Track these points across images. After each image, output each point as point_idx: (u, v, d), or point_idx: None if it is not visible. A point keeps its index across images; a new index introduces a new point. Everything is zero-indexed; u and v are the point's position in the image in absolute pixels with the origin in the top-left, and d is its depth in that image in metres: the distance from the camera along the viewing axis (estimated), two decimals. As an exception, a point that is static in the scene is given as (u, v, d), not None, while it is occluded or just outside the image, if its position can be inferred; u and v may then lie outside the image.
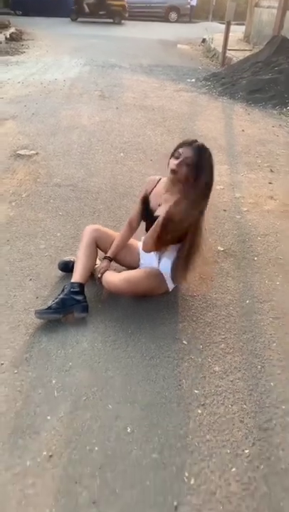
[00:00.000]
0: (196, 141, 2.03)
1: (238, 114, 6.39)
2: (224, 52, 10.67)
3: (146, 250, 2.18)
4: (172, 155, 2.06)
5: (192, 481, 1.48)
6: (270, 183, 3.98)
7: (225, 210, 3.42)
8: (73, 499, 1.41)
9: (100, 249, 2.37)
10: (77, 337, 2.07)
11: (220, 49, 11.03)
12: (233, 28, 15.59)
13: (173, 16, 22.01)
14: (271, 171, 4.26)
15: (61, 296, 2.16)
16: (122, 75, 8.53)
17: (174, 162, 2.01)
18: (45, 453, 1.54)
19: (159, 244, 2.12)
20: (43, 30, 15.18)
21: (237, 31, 14.78)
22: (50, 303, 2.16)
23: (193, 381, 1.88)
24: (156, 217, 2.09)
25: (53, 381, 1.83)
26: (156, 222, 2.06)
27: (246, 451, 1.60)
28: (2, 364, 1.90)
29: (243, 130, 5.57)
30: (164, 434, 1.63)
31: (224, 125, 5.80)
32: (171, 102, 6.67)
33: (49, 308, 2.11)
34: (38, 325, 2.12)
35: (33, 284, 2.42)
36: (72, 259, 2.47)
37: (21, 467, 1.50)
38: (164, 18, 21.77)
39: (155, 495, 1.43)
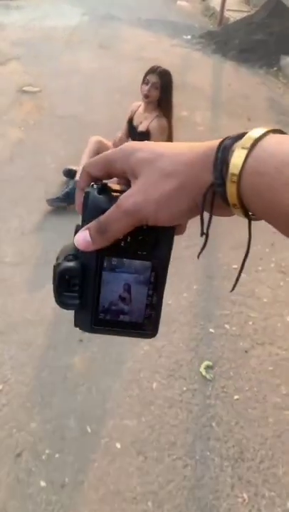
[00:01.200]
0: (159, 67, 2.65)
1: (227, 70, 6.86)
2: (222, 12, 10.90)
3: None
4: (143, 82, 2.67)
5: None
6: (246, 129, 4.55)
7: (203, 146, 4.02)
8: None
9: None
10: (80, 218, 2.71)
11: (219, 8, 11.24)
12: (234, -12, 15.62)
13: None
14: (249, 119, 4.84)
15: (66, 189, 2.78)
16: (120, 27, 8.81)
17: (144, 88, 2.63)
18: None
19: None
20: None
21: (238, -8, 14.83)
22: (58, 194, 2.77)
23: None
24: (140, 132, 2.71)
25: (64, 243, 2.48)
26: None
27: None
28: (23, 232, 2.53)
29: (229, 84, 6.08)
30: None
31: (213, 79, 6.29)
32: (166, 55, 7.07)
33: (57, 198, 2.74)
34: (49, 210, 2.75)
35: (42, 184, 3.03)
36: (74, 168, 3.06)
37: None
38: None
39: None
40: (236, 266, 2.46)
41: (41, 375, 1.74)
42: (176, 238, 0.38)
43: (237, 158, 0.31)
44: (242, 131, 0.33)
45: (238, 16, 10.50)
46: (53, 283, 0.39)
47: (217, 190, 0.33)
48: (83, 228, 0.38)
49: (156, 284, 0.41)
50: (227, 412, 1.72)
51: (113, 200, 0.36)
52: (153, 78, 2.67)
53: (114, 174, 0.39)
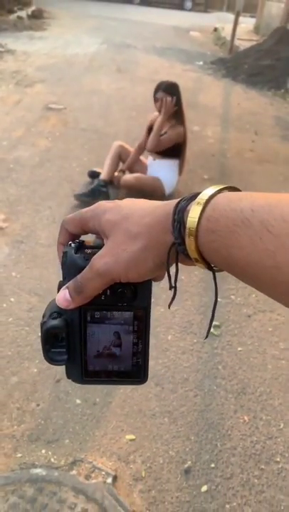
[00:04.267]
0: (163, 82, 3.06)
1: (237, 92, 7.32)
2: (232, 41, 11.53)
3: (150, 149, 3.17)
4: (154, 101, 3.08)
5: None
6: (252, 141, 4.95)
7: (213, 155, 4.40)
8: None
9: (121, 160, 3.36)
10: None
11: (229, 37, 11.87)
12: (245, 19, 16.42)
13: (188, 4, 22.68)
14: (255, 133, 5.22)
15: (92, 186, 3.16)
16: (136, 54, 9.42)
17: (156, 105, 3.05)
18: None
19: (158, 145, 3.12)
20: (62, 10, 15.94)
21: (248, 23, 15.59)
22: (84, 191, 3.15)
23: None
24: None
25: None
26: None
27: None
28: (54, 220, 2.90)
29: (238, 104, 6.52)
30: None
31: (223, 99, 6.74)
32: (179, 78, 7.53)
33: (84, 193, 3.12)
34: (76, 204, 3.12)
35: (69, 184, 3.41)
36: (97, 170, 3.45)
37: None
38: (179, 6, 22.44)
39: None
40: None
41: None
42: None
43: (191, 219, 0.34)
44: (195, 192, 0.36)
45: (248, 44, 11.09)
46: (41, 340, 0.41)
47: (179, 249, 0.35)
48: (63, 288, 0.41)
49: (140, 331, 0.42)
50: (232, 359, 2.01)
51: (88, 258, 0.39)
52: (160, 94, 3.08)
53: (89, 231, 0.42)
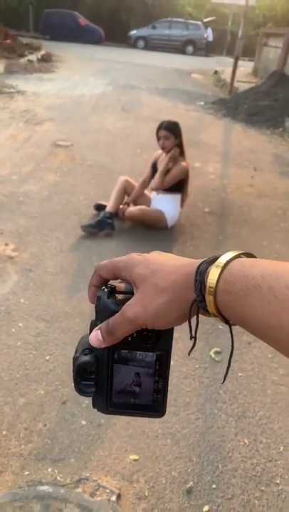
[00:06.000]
0: (164, 122, 3.27)
1: (237, 130, 7.63)
2: (232, 83, 12.06)
3: (156, 188, 3.34)
4: (157, 139, 3.29)
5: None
6: (252, 177, 5.14)
7: (214, 190, 4.58)
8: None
9: (127, 193, 3.52)
10: (108, 241, 3.20)
11: (229, 80, 12.43)
12: (245, 63, 17.23)
13: (189, 49, 23.79)
14: (255, 170, 5.43)
15: (98, 218, 3.30)
16: (140, 95, 9.87)
17: (159, 143, 3.25)
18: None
19: (163, 183, 3.29)
20: (69, 54, 16.76)
21: (248, 66, 16.37)
22: (90, 222, 3.29)
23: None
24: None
25: (94, 259, 2.95)
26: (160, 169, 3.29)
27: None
28: (62, 250, 3.02)
29: (238, 142, 6.79)
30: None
31: (223, 137, 7.03)
32: (181, 117, 7.89)
33: (90, 224, 3.26)
34: (83, 235, 3.25)
35: (76, 217, 3.56)
36: (103, 203, 3.60)
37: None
38: (181, 50, 23.53)
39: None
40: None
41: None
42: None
43: (211, 280, 0.39)
44: (214, 256, 0.41)
45: (247, 86, 11.60)
46: (73, 373, 0.46)
47: (199, 305, 0.40)
48: (96, 328, 0.45)
49: (161, 371, 0.47)
50: (232, 384, 2.06)
51: (119, 303, 0.45)
52: (162, 132, 3.28)
53: (120, 278, 0.47)
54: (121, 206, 3.55)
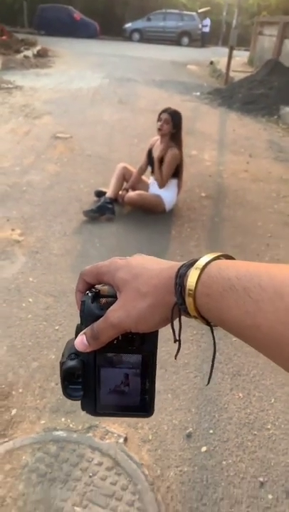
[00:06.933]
0: (170, 108, 3.40)
1: (232, 119, 7.76)
2: (227, 73, 12.15)
3: (160, 186, 3.51)
4: (158, 120, 3.42)
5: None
6: (247, 163, 5.29)
7: (210, 176, 4.73)
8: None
9: (125, 180, 3.69)
10: (109, 225, 3.37)
11: (225, 70, 12.51)
12: (240, 53, 17.27)
13: (185, 40, 23.77)
14: (250, 156, 5.58)
15: (99, 204, 3.47)
16: (136, 87, 9.98)
17: (158, 124, 3.38)
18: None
19: (163, 178, 3.46)
20: (65, 49, 16.82)
21: (243, 56, 16.41)
22: (92, 207, 3.46)
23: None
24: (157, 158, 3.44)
25: (96, 242, 3.12)
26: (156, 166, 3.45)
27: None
28: (65, 234, 3.19)
29: (234, 130, 6.93)
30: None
31: (219, 126, 7.17)
32: (177, 108, 8.01)
33: (92, 209, 3.42)
34: (85, 220, 3.42)
35: (78, 203, 3.73)
36: (103, 190, 3.77)
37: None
38: (176, 42, 23.52)
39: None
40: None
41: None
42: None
43: (190, 283, 0.39)
44: (193, 259, 0.42)
45: (242, 75, 11.67)
46: (60, 378, 0.47)
47: (180, 307, 0.41)
48: (81, 333, 0.46)
49: (148, 372, 0.48)
50: (227, 347, 2.24)
51: (103, 308, 0.45)
52: (164, 115, 3.43)
53: (103, 282, 0.48)
54: (120, 192, 3.71)
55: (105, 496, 1.44)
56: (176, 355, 0.48)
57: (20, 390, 1.86)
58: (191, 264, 0.41)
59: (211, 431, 1.77)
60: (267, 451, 1.70)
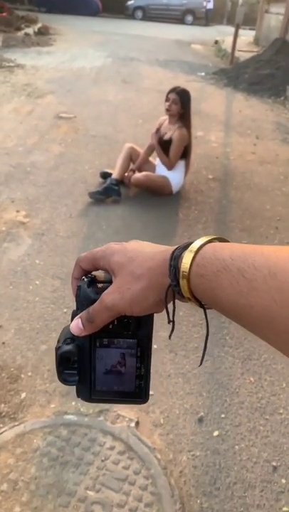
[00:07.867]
0: (178, 87, 3.31)
1: (238, 100, 7.60)
2: (233, 52, 11.88)
3: (169, 168, 3.44)
4: (165, 100, 3.32)
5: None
6: (254, 144, 5.19)
7: (217, 158, 4.65)
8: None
9: (132, 161, 3.61)
10: (115, 208, 3.31)
11: (230, 49, 12.24)
12: (245, 32, 16.87)
13: (189, 18, 23.20)
14: (257, 137, 5.47)
15: (105, 185, 3.40)
16: (140, 66, 9.77)
17: (166, 104, 3.29)
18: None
19: (172, 159, 3.39)
20: (67, 26, 16.44)
21: (248, 35, 16.04)
22: (97, 189, 3.39)
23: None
24: (165, 140, 3.35)
25: (103, 224, 3.07)
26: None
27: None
28: (71, 215, 3.13)
29: (240, 111, 6.79)
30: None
31: (225, 107, 7.02)
32: (182, 88, 7.89)
33: (97, 191, 3.36)
34: (90, 201, 3.36)
35: (83, 185, 3.66)
36: (109, 171, 3.69)
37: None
38: (180, 20, 22.97)
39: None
40: (246, 241, 2.99)
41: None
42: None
43: (184, 265, 0.39)
44: (188, 242, 0.42)
45: (248, 55, 11.42)
46: (55, 363, 0.46)
47: (174, 289, 0.41)
48: (76, 317, 0.46)
49: (143, 357, 0.47)
50: (238, 331, 2.20)
51: (99, 292, 0.45)
52: (172, 95, 3.33)
53: (99, 268, 0.48)
54: (126, 173, 3.63)
55: (118, 480, 1.43)
56: (170, 336, 0.48)
57: (30, 374, 1.84)
58: (185, 246, 0.41)
59: (223, 415, 1.75)
60: (279, 436, 1.68)
